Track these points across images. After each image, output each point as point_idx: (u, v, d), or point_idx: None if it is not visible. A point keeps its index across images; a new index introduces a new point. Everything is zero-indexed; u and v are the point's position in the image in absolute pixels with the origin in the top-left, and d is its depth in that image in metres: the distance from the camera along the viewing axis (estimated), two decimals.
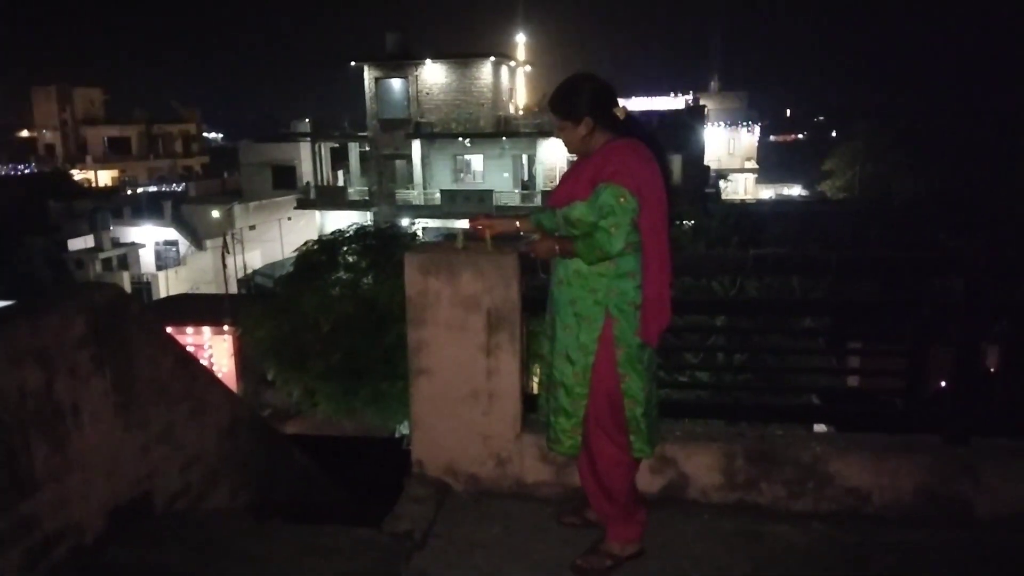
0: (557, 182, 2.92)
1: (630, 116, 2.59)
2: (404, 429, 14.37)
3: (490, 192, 30.98)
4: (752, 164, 58.53)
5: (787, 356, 8.82)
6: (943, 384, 2.96)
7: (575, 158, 2.71)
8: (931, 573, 2.64)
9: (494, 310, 3.01)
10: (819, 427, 6.82)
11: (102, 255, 31.98)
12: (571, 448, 2.66)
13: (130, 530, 2.73)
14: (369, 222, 25.42)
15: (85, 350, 2.53)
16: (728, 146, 58.15)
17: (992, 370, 2.96)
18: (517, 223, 2.86)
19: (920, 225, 28.41)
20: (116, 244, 33.52)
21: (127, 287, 28.28)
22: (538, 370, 2.87)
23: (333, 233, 17.63)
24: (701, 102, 50.83)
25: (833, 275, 2.86)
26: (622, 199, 2.43)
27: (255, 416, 3.91)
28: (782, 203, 46.84)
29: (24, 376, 2.29)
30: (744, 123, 59.63)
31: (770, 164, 62.10)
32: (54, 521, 2.42)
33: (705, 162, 43.91)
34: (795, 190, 59.89)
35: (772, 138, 76.63)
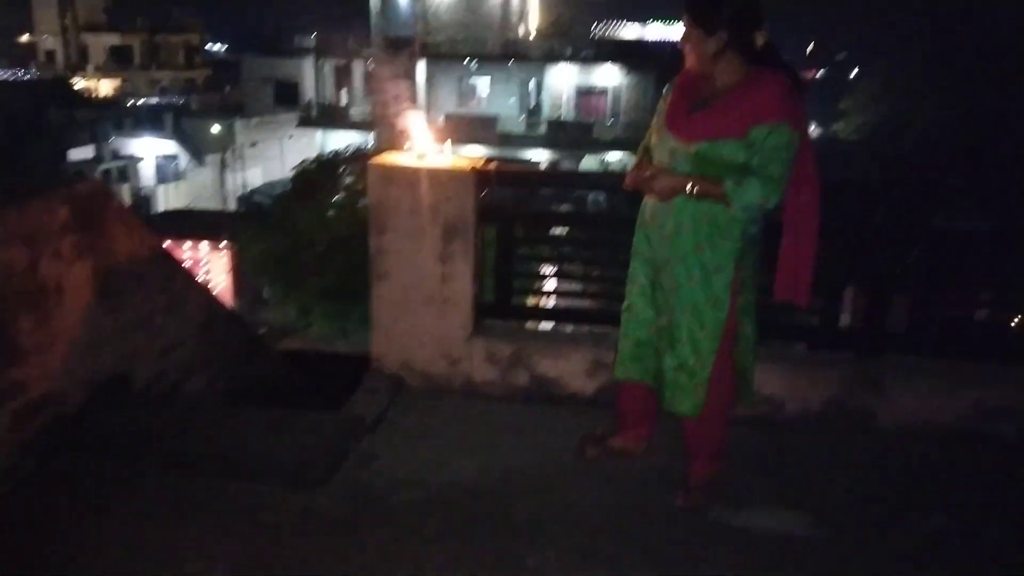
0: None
1: (769, 45, 2.29)
2: None
3: (495, 118, 30.79)
4: None
5: None
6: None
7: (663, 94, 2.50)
8: (833, 474, 2.92)
9: (451, 220, 3.23)
10: None
11: (102, 166, 31.96)
12: (692, 408, 2.50)
13: (110, 404, 3.01)
14: (370, 143, 25.45)
15: (68, 236, 2.77)
16: None
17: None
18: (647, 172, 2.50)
19: (930, 164, 28.16)
20: (116, 156, 33.47)
21: (127, 199, 28.43)
22: (622, 320, 2.68)
23: (331, 153, 17.75)
24: None
25: None
26: (792, 144, 2.24)
27: (231, 314, 4.19)
28: None
29: (11, 255, 2.53)
30: None
31: None
32: (39, 388, 2.69)
33: None
34: (809, 129, 59.04)
35: None
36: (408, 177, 3.21)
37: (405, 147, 3.32)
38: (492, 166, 3.26)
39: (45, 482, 2.65)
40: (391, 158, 3.31)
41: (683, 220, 2.37)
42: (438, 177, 3.20)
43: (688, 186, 2.31)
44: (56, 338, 2.75)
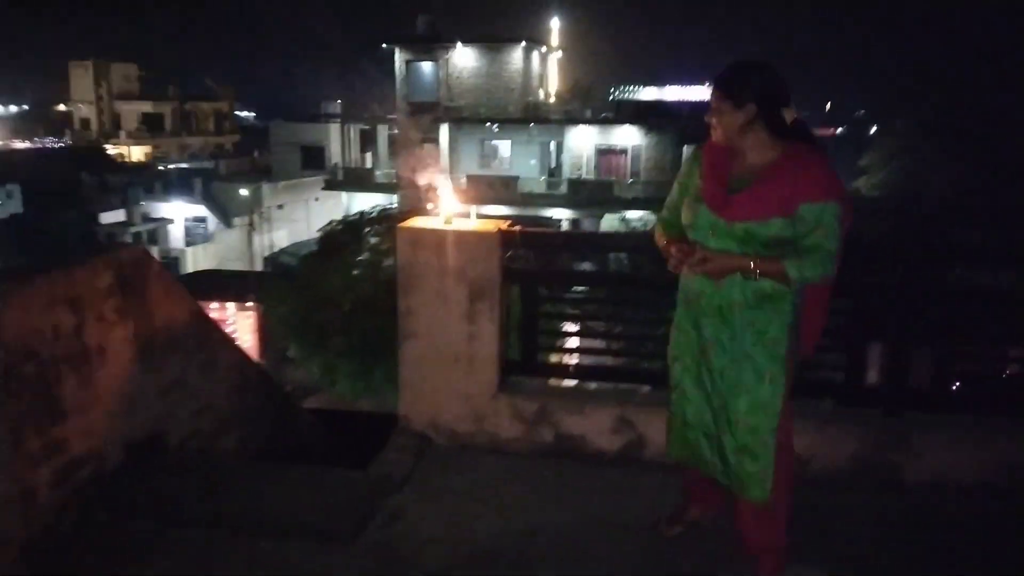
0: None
1: (799, 121, 2.32)
2: None
3: (516, 178, 31.28)
4: None
5: None
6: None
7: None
8: (861, 531, 2.91)
9: (476, 281, 3.32)
10: None
11: (132, 229, 32.77)
12: (761, 492, 2.38)
13: (145, 463, 3.09)
14: (394, 204, 25.92)
15: (111, 300, 2.89)
16: None
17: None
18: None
19: (950, 222, 28.09)
20: (147, 219, 34.33)
21: None
22: (673, 401, 2.58)
23: (357, 213, 18.11)
24: None
25: None
26: (841, 219, 2.24)
27: (264, 374, 4.28)
28: None
29: (59, 319, 2.65)
30: None
31: None
32: (80, 447, 2.78)
33: None
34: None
35: None
36: (435, 240, 3.32)
37: (430, 209, 3.43)
38: (516, 228, 3.36)
39: (83, 538, 2.72)
40: (419, 222, 3.43)
41: (735, 298, 2.33)
42: (464, 240, 3.31)
43: (751, 266, 2.27)
44: (97, 399, 2.85)
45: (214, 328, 3.71)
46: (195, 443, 3.49)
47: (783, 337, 2.33)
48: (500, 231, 3.32)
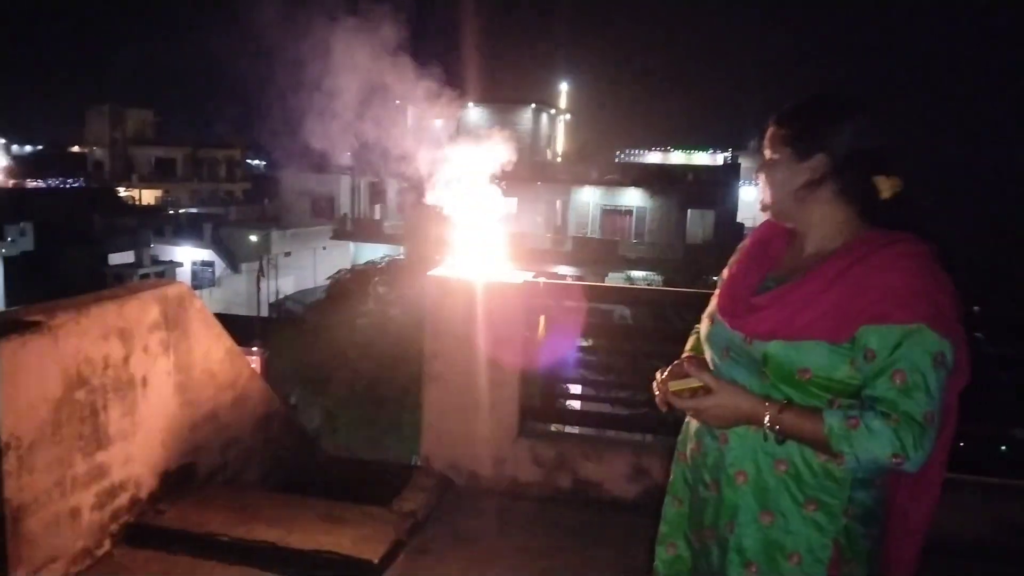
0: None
1: (903, 199, 1.49)
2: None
3: (520, 235, 31.70)
4: None
5: None
6: None
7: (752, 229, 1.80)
8: None
9: (500, 328, 3.47)
10: None
11: (141, 271, 33.06)
12: None
13: (177, 492, 3.20)
14: (401, 255, 26.21)
15: (156, 333, 3.04)
16: None
17: None
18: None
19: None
20: (155, 261, 34.69)
21: None
22: None
23: (366, 263, 18.39)
24: (739, 160, 51.73)
25: None
26: (943, 360, 1.36)
27: (287, 411, 4.39)
28: None
29: (110, 349, 2.79)
30: None
31: None
32: (119, 474, 2.90)
33: (739, 219, 44.62)
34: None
35: None
36: (463, 288, 3.49)
37: (439, 259, 3.61)
38: (540, 280, 3.53)
39: (121, 563, 2.81)
40: (447, 271, 3.60)
41: (743, 466, 1.51)
42: (490, 288, 3.47)
43: (765, 418, 1.44)
44: (138, 427, 2.98)
45: (245, 364, 3.85)
46: (222, 476, 3.60)
47: (820, 554, 1.46)
48: (524, 281, 3.48)
